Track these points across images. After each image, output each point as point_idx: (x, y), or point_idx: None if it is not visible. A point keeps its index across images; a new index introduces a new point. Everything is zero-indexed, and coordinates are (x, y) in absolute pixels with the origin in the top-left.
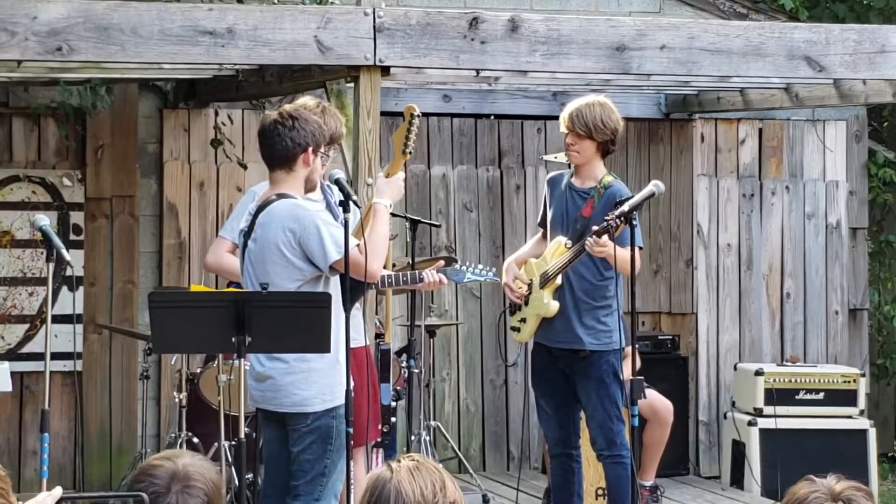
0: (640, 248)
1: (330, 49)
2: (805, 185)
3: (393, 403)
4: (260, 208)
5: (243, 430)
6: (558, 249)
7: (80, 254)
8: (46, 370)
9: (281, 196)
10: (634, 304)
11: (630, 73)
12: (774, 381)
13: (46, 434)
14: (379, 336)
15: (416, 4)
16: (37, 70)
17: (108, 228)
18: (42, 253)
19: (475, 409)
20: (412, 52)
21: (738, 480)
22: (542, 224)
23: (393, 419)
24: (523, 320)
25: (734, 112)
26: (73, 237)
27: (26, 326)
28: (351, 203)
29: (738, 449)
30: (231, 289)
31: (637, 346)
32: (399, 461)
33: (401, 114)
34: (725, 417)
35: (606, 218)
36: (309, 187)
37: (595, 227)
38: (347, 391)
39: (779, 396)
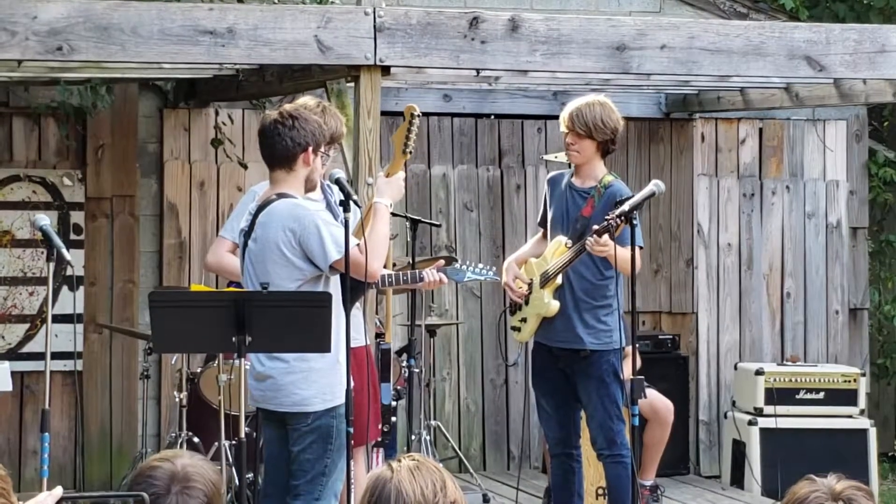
0: (641, 248)
1: (330, 49)
2: (805, 184)
3: (393, 403)
4: (260, 208)
5: (243, 429)
6: (559, 249)
7: (80, 253)
8: (47, 370)
9: (281, 196)
10: (635, 303)
11: (630, 73)
12: (775, 380)
13: (47, 434)
14: (379, 336)
15: (417, 4)
16: (37, 70)
17: (109, 228)
18: (42, 252)
19: (475, 408)
20: (412, 51)
21: (738, 480)
22: (543, 224)
23: (393, 419)
24: (524, 320)
25: (734, 112)
26: (73, 237)
27: (27, 326)
28: (351, 203)
29: (739, 448)
30: (231, 288)
31: (637, 345)
32: (399, 461)
33: (401, 113)
34: (726, 417)
35: (607, 217)
36: (309, 187)
37: (595, 227)
38: (348, 391)
39: (779, 396)
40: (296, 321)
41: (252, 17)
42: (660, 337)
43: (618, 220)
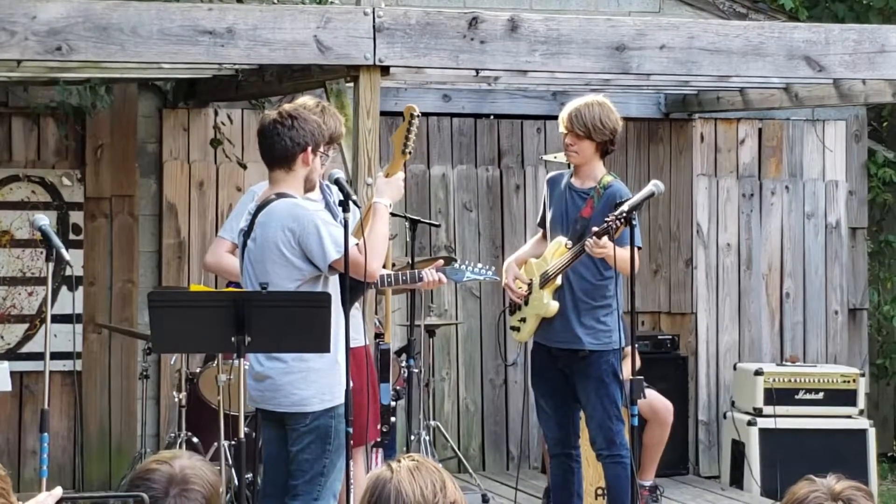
0: (640, 248)
1: (329, 49)
2: (805, 184)
3: (392, 403)
4: (259, 208)
5: (243, 429)
6: (558, 250)
7: (79, 253)
8: (46, 370)
9: (280, 196)
10: (634, 303)
11: (630, 73)
12: (774, 380)
13: (46, 434)
14: (378, 336)
15: (416, 4)
16: (36, 70)
17: (108, 228)
18: (41, 252)
19: (475, 408)
20: (412, 51)
21: (737, 480)
22: (542, 224)
23: (392, 419)
24: (523, 320)
25: (734, 112)
26: (72, 237)
27: (26, 326)
28: (350, 203)
29: (738, 449)
30: (230, 289)
31: (636, 345)
32: (399, 461)
33: (401, 114)
34: (725, 417)
35: (607, 219)
36: (308, 187)
37: (595, 228)
38: (347, 391)
39: (778, 396)
40: (295, 321)
41: (251, 17)
42: (659, 337)
43: (617, 221)
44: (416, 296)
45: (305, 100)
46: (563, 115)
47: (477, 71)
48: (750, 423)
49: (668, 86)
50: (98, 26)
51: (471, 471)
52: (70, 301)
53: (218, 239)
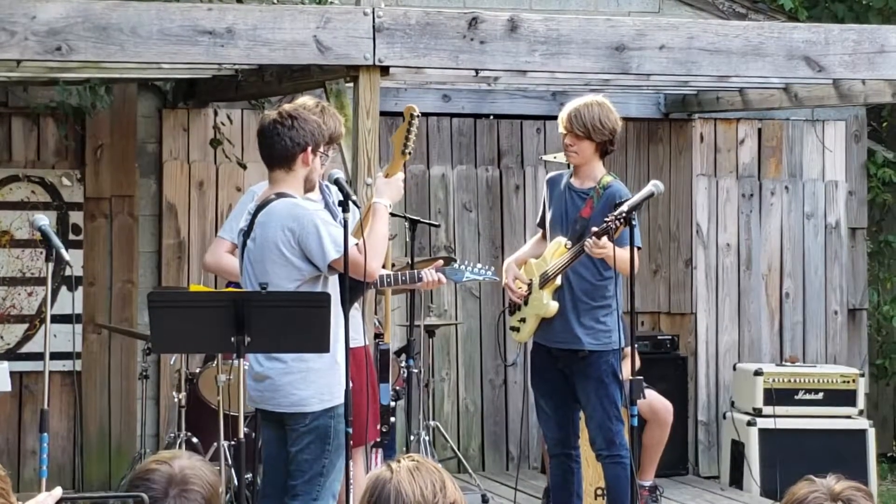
0: (639, 248)
1: (329, 49)
2: (804, 185)
3: (392, 403)
4: (259, 208)
5: (242, 430)
6: (558, 250)
7: (79, 253)
8: (46, 370)
9: (280, 195)
10: (634, 304)
11: (629, 73)
12: (773, 381)
13: (46, 434)
14: (378, 336)
15: (416, 4)
16: (36, 70)
17: (108, 228)
18: (41, 253)
19: (474, 408)
20: (411, 51)
21: (737, 480)
22: (542, 224)
23: (392, 419)
24: (523, 320)
25: (733, 112)
26: (72, 237)
27: (25, 326)
28: (350, 203)
29: (738, 449)
30: (230, 289)
31: (636, 346)
32: (399, 461)
33: (400, 114)
34: (724, 417)
35: (606, 220)
36: (308, 187)
37: (595, 229)
38: (347, 391)
39: (778, 396)
40: (295, 321)
41: (251, 18)
42: (659, 337)
43: (617, 221)
44: (416, 296)
45: (305, 100)
46: (563, 116)
47: (477, 71)
48: (749, 424)
49: (667, 86)
50: (98, 26)
51: (470, 471)
52: (70, 301)
53: (217, 239)
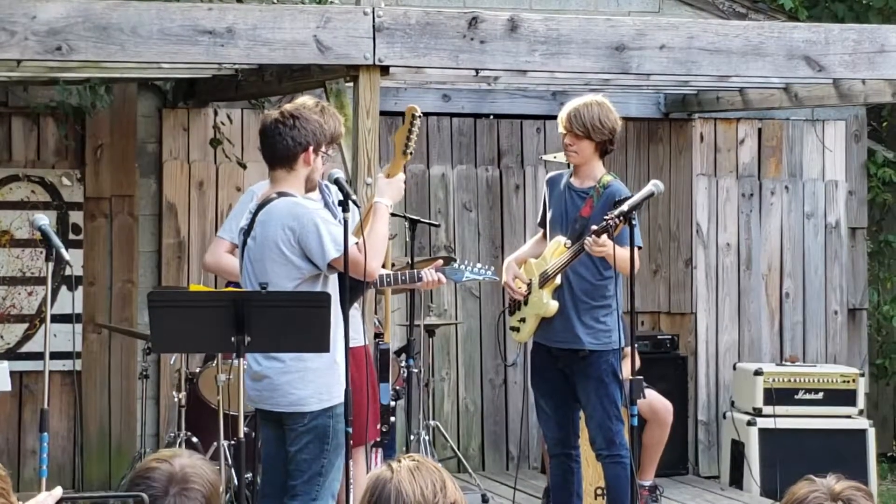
0: (640, 248)
1: (329, 49)
2: (804, 184)
3: (392, 403)
4: (260, 207)
5: (242, 429)
6: (558, 249)
7: (79, 253)
8: (46, 370)
9: (281, 195)
10: (634, 303)
11: (629, 73)
12: (773, 380)
13: (46, 434)
14: (378, 336)
15: (416, 4)
16: (36, 69)
17: (108, 228)
18: (41, 252)
19: (474, 408)
20: (411, 51)
21: (737, 480)
22: (542, 224)
23: (392, 419)
24: (523, 320)
25: (733, 112)
26: (72, 237)
27: (25, 326)
28: (350, 202)
29: (738, 449)
30: (230, 289)
31: (636, 345)
32: (399, 461)
33: (400, 113)
34: (724, 417)
35: (606, 217)
36: (310, 187)
37: (594, 227)
38: (347, 391)
39: (778, 396)
40: (295, 321)
41: (251, 17)
42: (659, 337)
43: (616, 219)
44: (416, 296)
45: (305, 100)
46: (563, 115)
47: (477, 71)
48: (749, 423)
49: (667, 86)
50: (98, 26)
51: (470, 471)
52: (70, 301)
53: (217, 239)
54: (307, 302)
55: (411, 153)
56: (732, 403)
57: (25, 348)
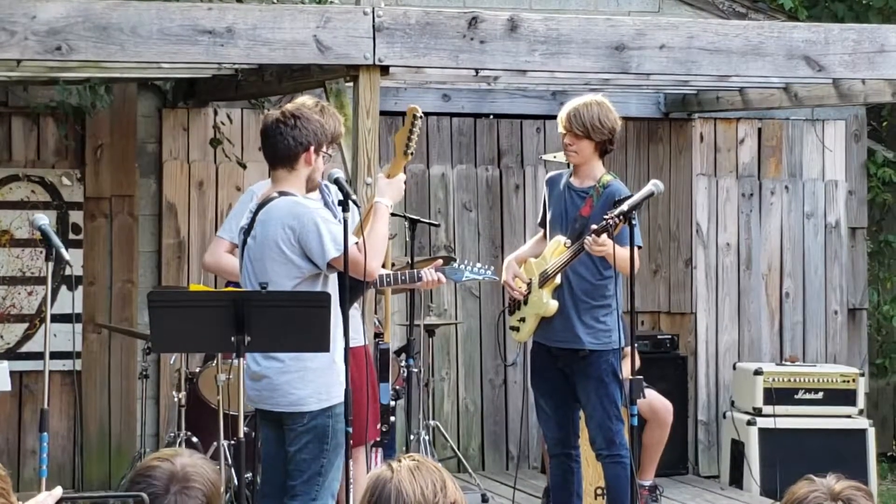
0: (640, 248)
1: (329, 48)
2: (804, 184)
3: (392, 403)
4: (260, 206)
5: (242, 429)
6: (557, 249)
7: (79, 253)
8: (46, 369)
9: (282, 194)
10: (634, 303)
11: (629, 73)
12: (773, 380)
13: (45, 433)
14: (378, 335)
15: (416, 4)
16: (36, 69)
17: (108, 228)
18: (41, 252)
19: (474, 408)
20: (411, 51)
21: (737, 480)
22: (543, 224)
23: (392, 419)
24: (522, 320)
25: (733, 112)
26: (72, 236)
27: (25, 326)
28: (350, 202)
29: (738, 448)
30: (230, 288)
31: (636, 345)
32: (399, 461)
33: (400, 113)
34: (724, 417)
35: (605, 217)
36: (311, 187)
37: (594, 226)
38: (347, 391)
39: (778, 396)
40: (295, 321)
41: (251, 17)
42: (659, 337)
43: (616, 219)
44: (416, 295)
45: (304, 99)
46: (562, 115)
47: (477, 71)
48: (749, 423)
49: (667, 85)
50: (98, 26)
51: (470, 471)
52: (70, 301)
53: (217, 239)
54: (307, 302)
55: (412, 153)
56: (732, 403)
57: (25, 348)
